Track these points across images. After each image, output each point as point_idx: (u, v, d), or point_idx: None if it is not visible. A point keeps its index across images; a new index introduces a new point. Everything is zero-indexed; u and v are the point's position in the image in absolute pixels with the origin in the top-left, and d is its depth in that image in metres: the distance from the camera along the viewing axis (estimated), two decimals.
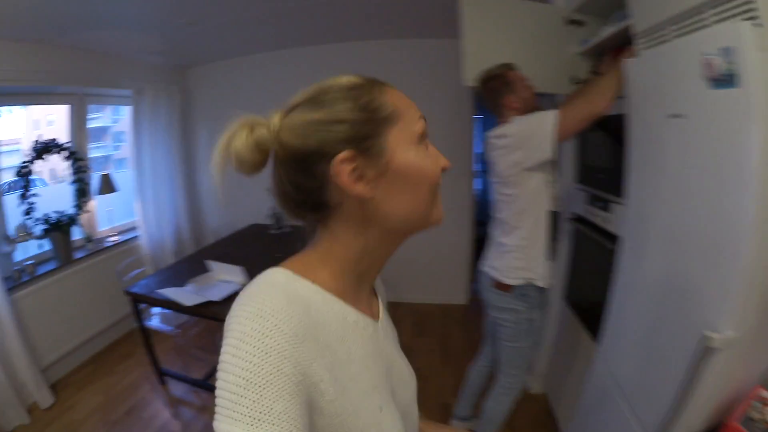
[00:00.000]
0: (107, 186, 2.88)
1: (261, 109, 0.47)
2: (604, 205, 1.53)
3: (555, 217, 1.48)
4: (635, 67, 1.18)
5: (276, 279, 0.43)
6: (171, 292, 1.93)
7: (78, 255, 2.68)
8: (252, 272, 1.59)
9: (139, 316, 2.18)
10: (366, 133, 0.43)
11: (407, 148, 0.45)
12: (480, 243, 3.45)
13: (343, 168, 0.42)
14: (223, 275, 2.07)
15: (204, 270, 2.16)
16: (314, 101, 0.44)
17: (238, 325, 0.37)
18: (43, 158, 2.51)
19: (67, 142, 2.67)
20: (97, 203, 2.96)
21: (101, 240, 2.97)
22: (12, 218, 2.38)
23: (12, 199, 2.40)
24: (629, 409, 1.12)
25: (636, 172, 1.21)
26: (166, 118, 3.19)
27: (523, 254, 1.45)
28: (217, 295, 1.87)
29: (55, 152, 2.58)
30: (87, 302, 2.64)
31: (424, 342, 2.88)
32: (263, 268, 0.45)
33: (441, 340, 2.89)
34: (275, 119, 0.45)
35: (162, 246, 3.20)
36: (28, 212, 2.42)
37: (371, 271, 0.50)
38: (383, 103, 0.45)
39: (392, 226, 0.46)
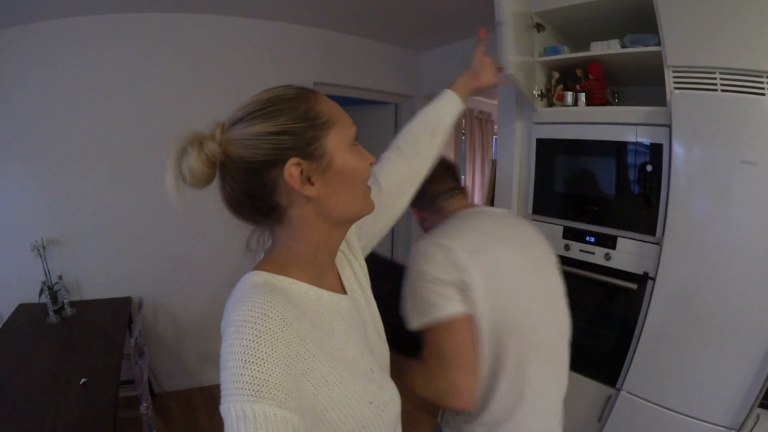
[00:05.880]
0: None
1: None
2: (596, 240, 1.43)
3: None
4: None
5: (256, 280, 0.46)
6: None
7: None
8: None
9: None
10: (308, 139, 0.46)
11: (345, 150, 0.49)
12: None
13: (292, 172, 0.45)
14: None
15: None
16: (257, 114, 0.46)
17: (234, 322, 0.40)
18: None
19: None
20: None
21: None
22: None
23: None
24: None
25: (681, 210, 1.18)
26: None
27: None
28: None
29: None
30: None
31: None
32: None
33: None
34: (217, 133, 0.46)
35: None
36: None
37: (329, 258, 0.55)
38: (320, 111, 0.48)
39: (337, 218, 0.51)
